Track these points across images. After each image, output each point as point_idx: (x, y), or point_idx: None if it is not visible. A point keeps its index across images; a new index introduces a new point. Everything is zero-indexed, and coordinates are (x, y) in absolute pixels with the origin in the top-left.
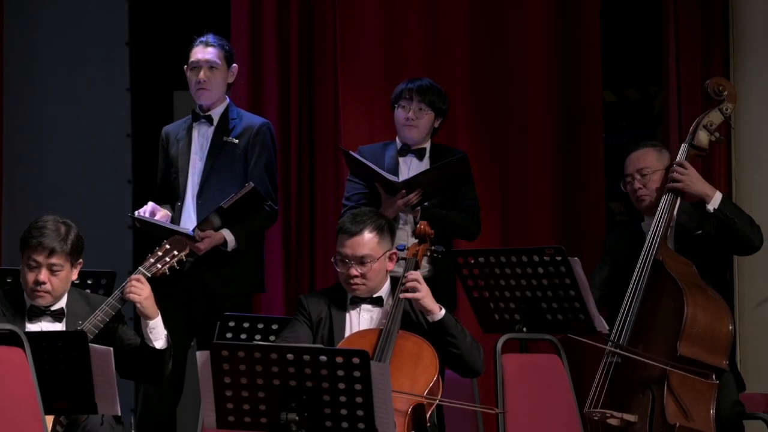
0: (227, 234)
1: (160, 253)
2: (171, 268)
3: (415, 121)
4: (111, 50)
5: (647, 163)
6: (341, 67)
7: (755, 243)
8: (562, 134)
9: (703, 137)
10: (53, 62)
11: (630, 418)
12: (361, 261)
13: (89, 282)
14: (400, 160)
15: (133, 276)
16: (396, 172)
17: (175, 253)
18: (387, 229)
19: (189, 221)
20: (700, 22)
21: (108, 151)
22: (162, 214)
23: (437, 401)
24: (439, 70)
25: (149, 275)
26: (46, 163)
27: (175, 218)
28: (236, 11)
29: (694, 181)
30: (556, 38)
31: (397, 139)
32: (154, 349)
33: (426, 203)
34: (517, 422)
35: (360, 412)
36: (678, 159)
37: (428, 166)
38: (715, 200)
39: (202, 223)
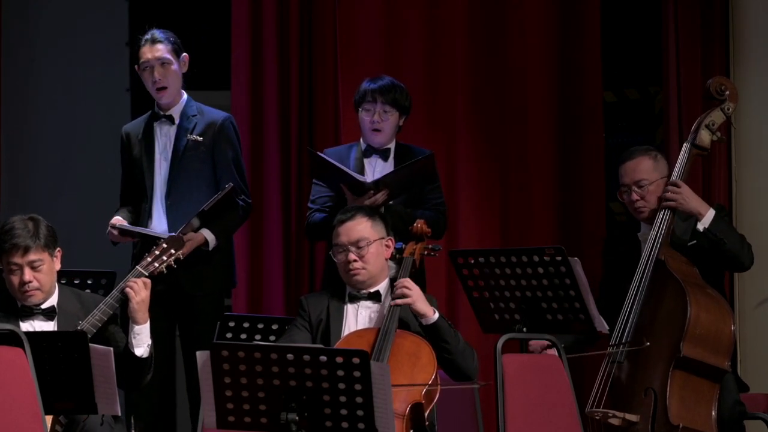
0: (207, 234)
1: (157, 252)
2: (168, 267)
3: (380, 124)
4: (111, 50)
5: (644, 174)
6: (341, 67)
7: (745, 263)
8: (562, 134)
9: (705, 137)
10: (53, 62)
11: (632, 418)
12: (357, 245)
13: (89, 282)
14: (365, 161)
15: (140, 278)
16: (361, 174)
17: (173, 251)
18: (378, 216)
19: (159, 222)
20: (700, 22)
21: (108, 150)
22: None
23: (438, 387)
24: (439, 70)
25: (147, 274)
26: (46, 163)
27: (144, 219)
28: (236, 11)
29: (687, 199)
30: (557, 38)
31: (361, 140)
32: (133, 355)
33: (390, 202)
34: (517, 422)
35: (360, 412)
36: (679, 160)
37: (393, 166)
38: (706, 219)
39: (183, 227)
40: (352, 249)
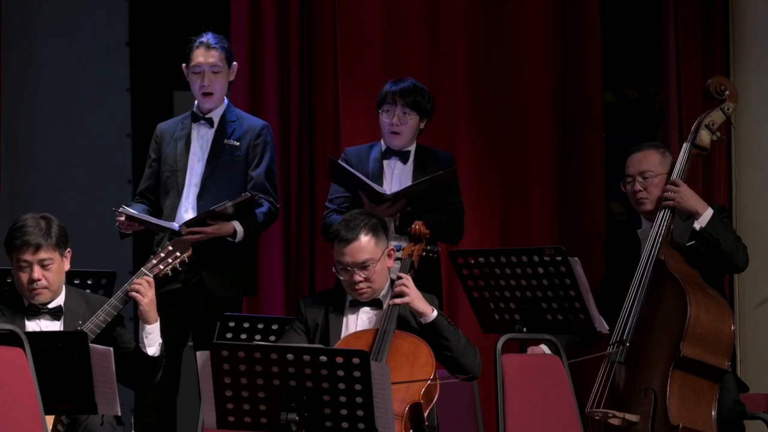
0: (237, 225)
1: (162, 255)
2: (173, 270)
3: (399, 126)
4: (111, 50)
5: (650, 166)
6: (341, 67)
7: (739, 265)
8: (562, 134)
9: (705, 137)
10: (53, 62)
11: (632, 418)
12: (363, 266)
13: (89, 282)
14: (384, 163)
15: (142, 277)
16: (380, 176)
17: (178, 254)
18: (381, 227)
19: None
20: (700, 22)
21: (108, 151)
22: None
23: (435, 381)
24: (439, 70)
25: (151, 276)
26: (46, 163)
27: (168, 217)
28: (236, 11)
29: (685, 198)
30: (557, 38)
31: (382, 141)
32: (146, 354)
33: (408, 208)
34: (517, 422)
35: (360, 412)
36: (679, 160)
37: (412, 169)
38: (703, 219)
39: (217, 206)
40: (358, 270)
